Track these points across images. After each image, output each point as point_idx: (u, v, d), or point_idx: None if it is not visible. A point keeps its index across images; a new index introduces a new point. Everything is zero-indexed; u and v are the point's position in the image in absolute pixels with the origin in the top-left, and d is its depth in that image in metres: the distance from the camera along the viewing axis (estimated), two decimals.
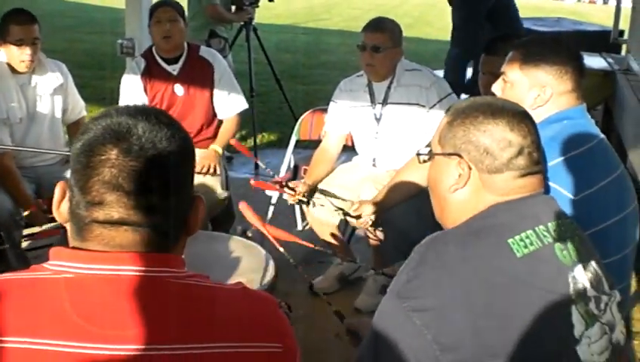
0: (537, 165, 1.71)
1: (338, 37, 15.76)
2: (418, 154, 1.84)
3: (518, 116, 1.70)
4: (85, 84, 9.01)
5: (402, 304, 1.54)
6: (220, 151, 4.29)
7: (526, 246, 1.58)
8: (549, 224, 1.65)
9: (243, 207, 2.86)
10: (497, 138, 1.66)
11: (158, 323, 1.25)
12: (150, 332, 1.24)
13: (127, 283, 1.26)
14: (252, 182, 3.11)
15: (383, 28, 3.86)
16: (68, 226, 1.34)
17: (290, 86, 9.31)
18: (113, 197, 1.26)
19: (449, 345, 1.50)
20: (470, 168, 1.69)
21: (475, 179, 1.69)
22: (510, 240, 1.58)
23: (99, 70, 9.47)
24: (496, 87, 2.43)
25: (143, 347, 1.23)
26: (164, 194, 1.29)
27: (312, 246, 3.15)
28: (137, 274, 1.27)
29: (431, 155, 1.79)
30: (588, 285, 1.64)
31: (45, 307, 1.24)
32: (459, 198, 1.72)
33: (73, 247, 1.30)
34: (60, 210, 1.35)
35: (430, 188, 1.84)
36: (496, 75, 3.09)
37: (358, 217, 3.49)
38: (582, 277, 1.64)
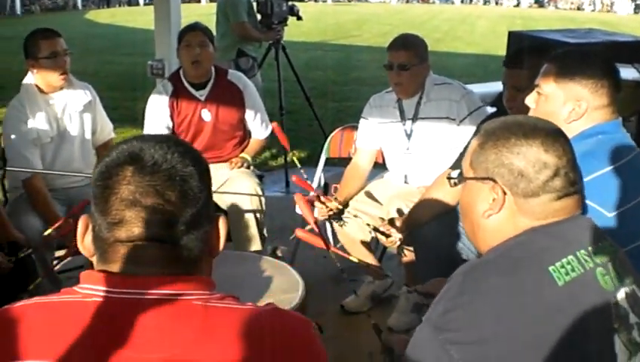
0: (574, 185, 1.63)
1: (368, 53, 15.80)
2: (449, 178, 1.79)
3: (552, 135, 1.63)
4: (117, 105, 9.10)
5: (439, 336, 1.49)
6: (249, 158, 4.34)
7: (567, 274, 1.52)
8: (590, 248, 1.59)
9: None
10: (532, 160, 1.60)
11: (185, 346, 1.25)
12: (180, 357, 1.24)
13: (154, 306, 1.26)
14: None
15: (407, 45, 3.81)
16: (94, 259, 1.35)
17: (321, 103, 9.31)
18: (132, 213, 1.28)
19: None
20: (505, 193, 1.62)
21: (510, 203, 1.62)
22: (551, 268, 1.51)
23: (131, 91, 9.55)
24: (530, 100, 2.38)
25: None
26: (181, 206, 1.30)
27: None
28: (164, 297, 1.27)
29: (462, 179, 1.74)
30: (630, 311, 1.58)
31: (75, 330, 1.25)
32: (493, 224, 1.65)
33: (102, 271, 1.31)
34: (85, 243, 1.37)
35: (462, 213, 1.78)
36: (518, 88, 3.05)
37: (387, 235, 3.45)
38: (624, 303, 1.57)
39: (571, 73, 2.29)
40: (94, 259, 1.35)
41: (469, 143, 3.25)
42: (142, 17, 24.43)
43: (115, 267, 1.30)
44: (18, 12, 26.56)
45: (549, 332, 1.46)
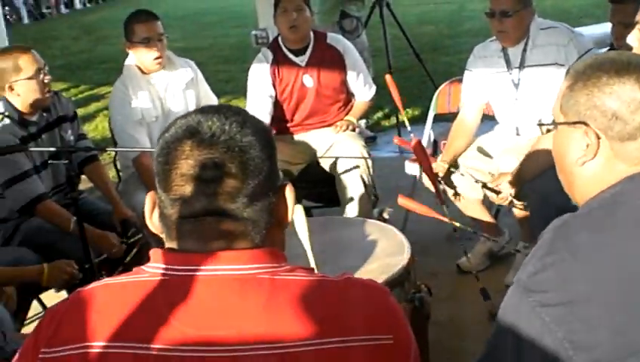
0: None
1: (480, 3, 15.26)
2: (540, 125, 1.67)
3: None
4: (230, 78, 9.22)
5: (529, 298, 1.38)
6: (354, 120, 4.29)
7: None
8: None
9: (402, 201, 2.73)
10: (626, 100, 1.45)
11: (252, 322, 1.22)
12: (246, 332, 1.21)
13: (219, 283, 1.24)
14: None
15: None
16: (163, 236, 1.33)
17: (433, 58, 9.11)
18: (193, 188, 1.26)
19: (584, 343, 1.33)
20: (599, 137, 1.48)
21: (605, 148, 1.48)
22: None
23: (242, 63, 9.62)
24: (632, 38, 2.20)
25: (240, 347, 1.20)
26: (242, 178, 1.26)
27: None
28: (229, 272, 1.25)
29: (554, 125, 1.60)
30: None
31: (143, 310, 1.25)
32: (588, 171, 1.52)
33: (169, 248, 1.30)
34: (152, 220, 1.35)
35: (556, 162, 1.64)
36: (626, 24, 2.84)
37: (497, 192, 3.32)
38: None
39: None
40: (163, 237, 1.33)
41: None
42: None
43: (180, 244, 1.29)
44: None
45: None
